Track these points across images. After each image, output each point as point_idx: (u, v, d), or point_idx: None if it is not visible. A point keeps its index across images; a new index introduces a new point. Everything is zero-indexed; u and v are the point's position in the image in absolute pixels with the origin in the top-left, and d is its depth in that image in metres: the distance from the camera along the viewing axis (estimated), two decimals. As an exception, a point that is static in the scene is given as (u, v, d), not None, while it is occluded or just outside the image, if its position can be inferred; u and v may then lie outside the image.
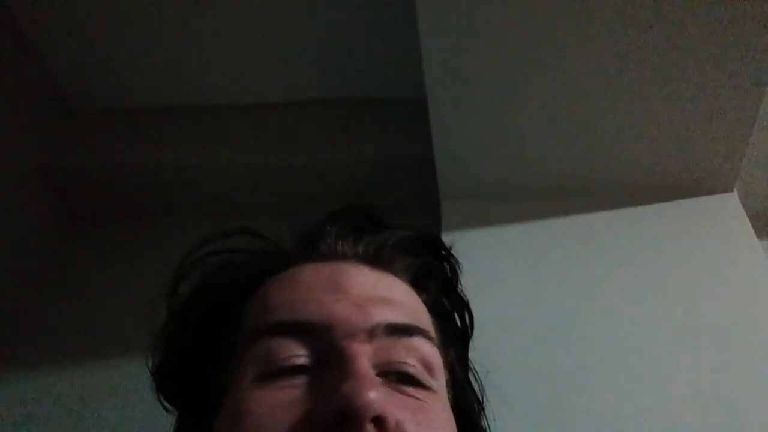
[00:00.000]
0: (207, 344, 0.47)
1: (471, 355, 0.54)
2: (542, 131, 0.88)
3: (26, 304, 1.10)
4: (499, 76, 0.84)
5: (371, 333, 0.42)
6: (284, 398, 0.39)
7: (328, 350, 0.41)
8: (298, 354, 0.41)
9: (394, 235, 0.50)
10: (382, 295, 0.45)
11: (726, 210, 0.90)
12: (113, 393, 0.96)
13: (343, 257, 0.48)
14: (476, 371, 0.54)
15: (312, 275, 0.46)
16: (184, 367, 0.48)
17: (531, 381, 0.74)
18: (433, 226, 0.93)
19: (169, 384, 0.49)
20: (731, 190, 0.92)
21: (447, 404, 0.45)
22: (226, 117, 1.21)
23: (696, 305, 0.79)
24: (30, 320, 1.09)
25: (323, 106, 1.20)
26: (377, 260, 0.49)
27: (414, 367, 0.43)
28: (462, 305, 0.53)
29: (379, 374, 0.41)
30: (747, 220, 0.89)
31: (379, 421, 0.36)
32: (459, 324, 0.53)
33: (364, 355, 0.41)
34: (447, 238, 0.55)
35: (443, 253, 0.54)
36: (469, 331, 0.54)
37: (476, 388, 0.53)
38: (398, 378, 0.42)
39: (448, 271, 0.53)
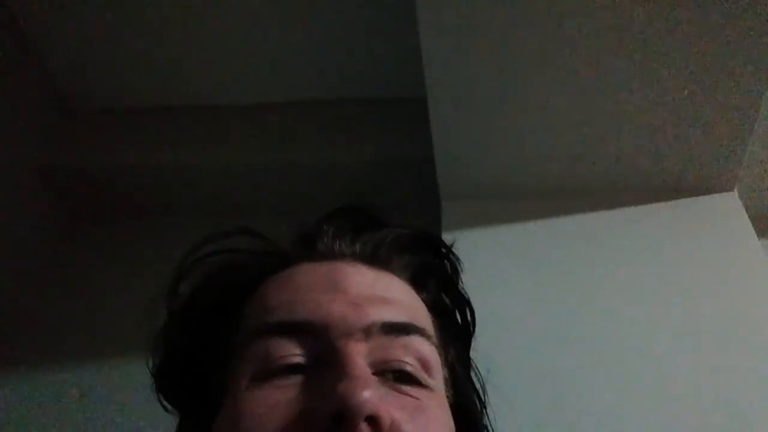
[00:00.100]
0: (207, 344, 0.47)
1: (471, 354, 0.54)
2: (542, 131, 0.88)
3: (26, 304, 1.10)
4: (499, 76, 0.84)
5: (367, 332, 0.42)
6: (282, 398, 0.39)
7: (325, 350, 0.41)
8: (296, 354, 0.41)
9: (392, 233, 0.50)
10: (380, 294, 0.45)
11: (726, 210, 0.90)
12: (113, 393, 0.96)
13: (340, 256, 0.48)
14: (478, 370, 0.54)
15: (310, 275, 0.46)
16: (184, 367, 0.48)
17: (531, 381, 0.74)
18: (434, 226, 0.93)
19: (169, 384, 0.49)
20: (731, 190, 0.92)
21: (445, 403, 0.45)
22: (226, 117, 1.21)
23: (696, 305, 0.79)
24: (30, 320, 1.09)
25: (323, 106, 1.20)
26: (375, 259, 0.49)
27: (411, 366, 0.43)
28: (463, 302, 0.53)
29: (376, 373, 0.41)
30: (747, 220, 0.89)
31: (373, 420, 0.36)
32: (460, 322, 0.53)
33: (359, 355, 0.41)
34: (447, 237, 0.56)
35: (443, 250, 0.54)
36: (471, 328, 0.54)
37: (477, 386, 0.53)
38: (395, 376, 0.42)
39: (449, 268, 0.53)
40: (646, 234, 0.88)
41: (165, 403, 0.50)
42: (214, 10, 1.11)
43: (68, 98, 1.24)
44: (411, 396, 0.41)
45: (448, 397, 0.46)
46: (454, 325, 0.53)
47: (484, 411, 0.52)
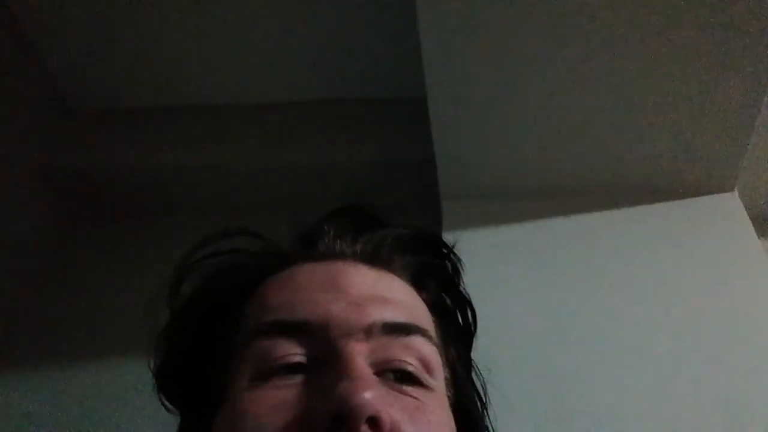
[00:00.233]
0: (207, 344, 0.47)
1: (472, 354, 0.54)
2: (542, 131, 0.88)
3: (26, 304, 1.10)
4: (499, 76, 0.84)
5: (368, 332, 0.42)
6: (281, 398, 0.39)
7: (325, 349, 0.41)
8: (296, 353, 0.41)
9: (393, 233, 0.50)
10: (381, 294, 0.45)
11: (726, 210, 0.90)
12: (113, 393, 0.96)
13: (341, 256, 0.48)
14: (479, 370, 0.54)
15: (310, 275, 0.46)
16: (184, 367, 0.48)
17: (531, 380, 0.74)
18: (434, 226, 0.93)
19: (170, 384, 0.49)
20: (731, 190, 0.92)
21: (446, 403, 0.45)
22: (226, 117, 1.21)
23: (696, 305, 0.79)
24: (30, 320, 1.09)
25: (323, 106, 1.20)
26: (376, 259, 0.48)
27: (412, 366, 0.43)
28: (464, 302, 0.53)
29: (377, 373, 0.41)
30: (747, 220, 0.89)
31: (374, 421, 0.36)
32: (461, 322, 0.53)
33: (360, 355, 0.41)
34: (447, 237, 0.55)
35: (443, 250, 0.54)
36: (472, 328, 0.54)
37: (478, 387, 0.53)
38: (396, 376, 0.42)
39: (449, 268, 0.53)
40: (646, 234, 0.88)
41: (166, 403, 0.50)
42: (214, 10, 1.11)
43: (68, 98, 1.24)
44: (412, 396, 0.41)
45: (448, 397, 0.46)
46: (455, 325, 0.53)
47: (484, 411, 0.52)
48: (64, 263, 1.17)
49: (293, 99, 1.21)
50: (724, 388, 0.72)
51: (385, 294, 0.45)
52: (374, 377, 0.40)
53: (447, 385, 0.47)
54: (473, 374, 0.53)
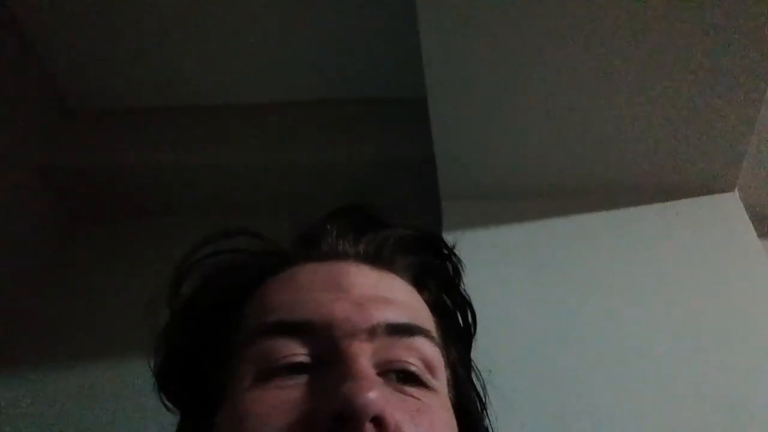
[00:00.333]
0: (207, 344, 0.47)
1: (472, 354, 0.54)
2: (542, 131, 0.88)
3: (26, 304, 1.10)
4: (499, 76, 0.84)
5: (372, 332, 0.42)
6: (284, 398, 0.39)
7: (328, 350, 0.41)
8: (298, 353, 0.41)
9: (395, 233, 0.50)
10: (383, 294, 0.45)
11: (726, 210, 0.90)
12: (113, 393, 0.96)
13: (343, 256, 0.48)
14: (478, 371, 0.54)
15: (312, 275, 0.46)
16: (184, 367, 0.48)
17: (531, 381, 0.74)
18: (434, 226, 0.93)
19: (170, 384, 0.49)
20: (732, 190, 0.92)
21: (448, 404, 0.45)
22: (226, 117, 1.21)
23: (696, 305, 0.79)
24: (30, 320, 1.09)
25: (323, 106, 1.20)
26: (378, 259, 0.48)
27: (415, 366, 0.43)
28: (464, 304, 0.53)
29: (380, 374, 0.41)
30: (747, 220, 0.89)
31: (378, 421, 0.36)
32: (461, 323, 0.53)
33: (364, 355, 0.41)
34: (448, 238, 0.56)
35: (444, 251, 0.54)
36: (472, 330, 0.54)
37: (478, 387, 0.53)
38: (399, 377, 0.42)
39: (450, 269, 0.53)
40: (646, 234, 0.88)
41: (166, 402, 0.50)
42: (214, 10, 1.11)
43: (68, 98, 1.24)
44: (414, 397, 0.41)
45: (450, 398, 0.46)
46: (455, 326, 0.53)
47: (484, 412, 0.52)
48: (64, 263, 1.17)
49: (293, 99, 1.21)
50: (724, 388, 0.72)
51: (387, 294, 0.45)
52: (378, 378, 0.40)
53: (448, 385, 0.47)
54: (473, 375, 0.53)
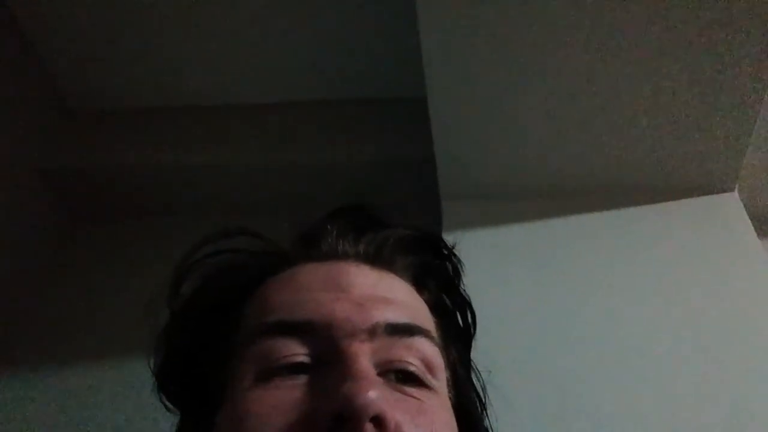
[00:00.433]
0: (207, 344, 0.47)
1: (472, 354, 0.54)
2: (542, 131, 0.88)
3: (26, 304, 1.10)
4: (499, 76, 0.84)
5: (372, 332, 0.42)
6: (284, 398, 0.39)
7: (328, 349, 0.41)
8: (298, 353, 0.41)
9: (395, 234, 0.50)
10: (383, 294, 0.45)
11: (726, 210, 0.90)
12: (113, 393, 0.96)
13: (343, 256, 0.48)
14: (478, 371, 0.54)
15: (312, 275, 0.46)
16: (184, 367, 0.48)
17: (531, 381, 0.74)
18: (434, 226, 0.93)
19: (170, 384, 0.49)
20: (732, 190, 0.92)
21: (448, 404, 0.45)
22: (226, 117, 1.21)
23: (696, 305, 0.79)
24: (30, 320, 1.09)
25: (323, 106, 1.20)
26: (378, 259, 0.48)
27: (415, 366, 0.43)
28: (464, 304, 0.53)
29: (380, 374, 0.41)
30: (747, 219, 0.89)
31: (378, 421, 0.36)
32: (461, 323, 0.53)
33: (364, 355, 0.41)
34: (447, 237, 0.55)
35: (444, 251, 0.53)
36: (472, 330, 0.54)
37: (478, 387, 0.53)
38: (399, 377, 0.42)
39: (450, 270, 0.53)
40: (646, 234, 0.88)
41: (166, 402, 0.50)
42: (214, 10, 1.11)
43: (68, 98, 1.24)
44: (414, 397, 0.41)
45: (450, 398, 0.46)
46: (455, 326, 0.53)
47: (484, 412, 0.52)
48: (64, 263, 1.17)
49: (293, 99, 1.21)
50: (724, 388, 0.72)
51: (387, 294, 0.45)
52: (378, 378, 0.40)
53: (448, 385, 0.47)
54: (473, 375, 0.53)
